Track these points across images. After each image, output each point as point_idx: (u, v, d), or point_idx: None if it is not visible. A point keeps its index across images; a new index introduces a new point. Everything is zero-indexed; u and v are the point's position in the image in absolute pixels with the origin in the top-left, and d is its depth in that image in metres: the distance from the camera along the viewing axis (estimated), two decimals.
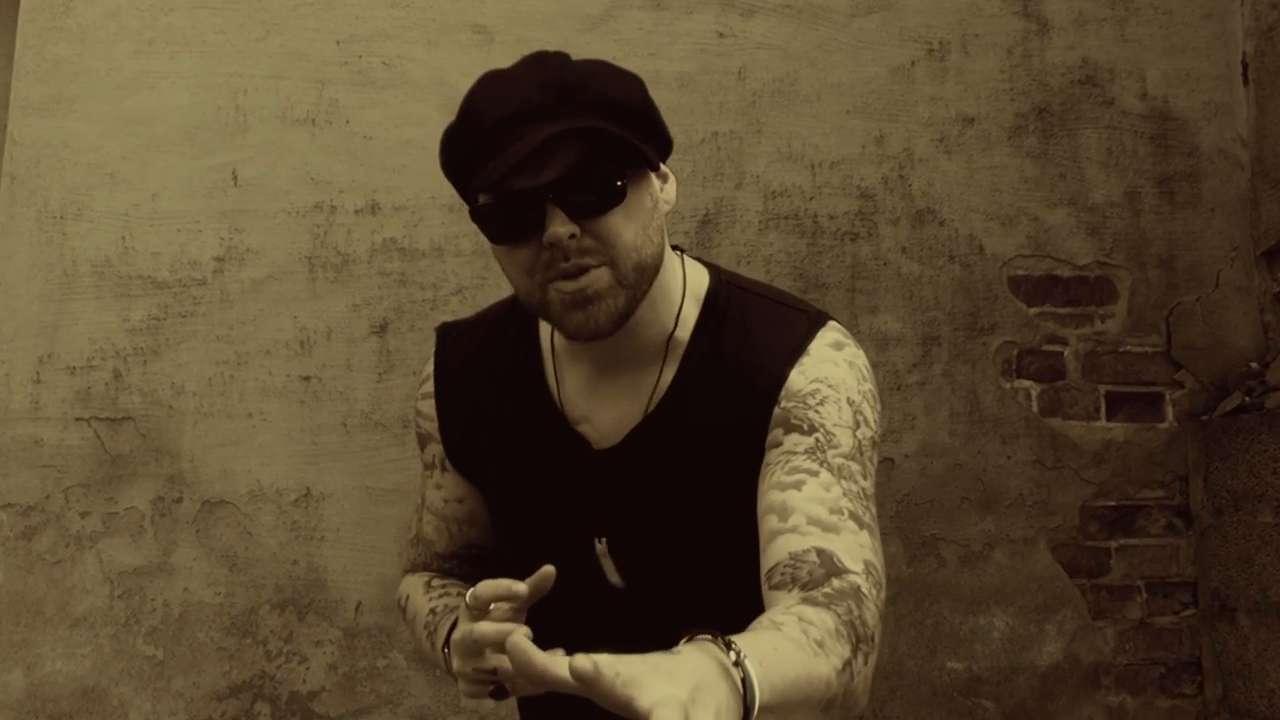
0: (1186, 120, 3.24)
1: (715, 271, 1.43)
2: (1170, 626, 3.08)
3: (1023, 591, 3.03)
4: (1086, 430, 3.10)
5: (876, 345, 3.06)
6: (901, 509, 3.03)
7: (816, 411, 1.28)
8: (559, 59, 1.26)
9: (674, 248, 1.42)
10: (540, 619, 1.31)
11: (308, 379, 2.91)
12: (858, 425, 1.28)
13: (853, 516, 1.20)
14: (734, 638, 0.97)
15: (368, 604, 2.87)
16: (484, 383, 1.44)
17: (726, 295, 1.39)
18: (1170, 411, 3.14)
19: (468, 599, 1.23)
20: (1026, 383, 3.09)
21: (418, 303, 2.97)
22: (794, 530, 1.18)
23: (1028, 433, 3.07)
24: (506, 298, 1.48)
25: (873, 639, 1.12)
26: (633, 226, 1.26)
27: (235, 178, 2.96)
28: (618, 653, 0.85)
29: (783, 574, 1.16)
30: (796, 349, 1.33)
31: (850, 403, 1.29)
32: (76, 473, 2.85)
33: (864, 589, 1.14)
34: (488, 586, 1.20)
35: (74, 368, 2.88)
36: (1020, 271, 3.13)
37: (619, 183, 1.24)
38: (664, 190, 1.34)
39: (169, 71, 3.00)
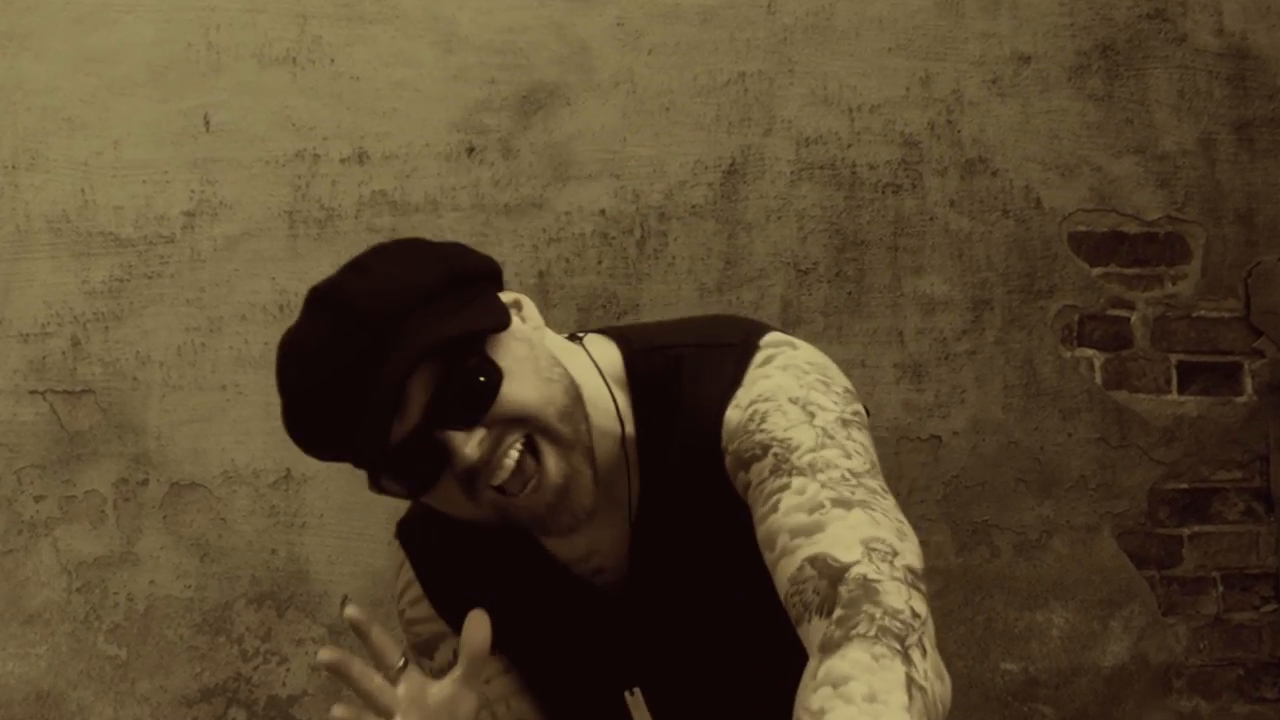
0: (1267, 59, 3.14)
1: (622, 341, 1.33)
2: (1249, 623, 3.02)
3: (1084, 584, 2.96)
4: (1156, 404, 3.02)
5: (922, 309, 2.96)
6: (950, 492, 2.93)
7: (762, 431, 1.19)
8: (341, 293, 1.17)
9: (571, 337, 1.33)
10: None
11: None
12: (812, 416, 1.18)
13: (836, 503, 1.10)
14: None
15: (355, 598, 2.77)
16: (470, 559, 1.36)
17: (646, 364, 1.30)
18: (1249, 383, 3.08)
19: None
20: (1089, 351, 3.02)
21: None
22: (783, 553, 1.10)
23: (1090, 407, 3.00)
24: None
25: (914, 618, 1.02)
26: (529, 386, 1.18)
27: (207, 123, 2.83)
28: None
29: (795, 607, 1.08)
30: (727, 391, 1.25)
31: (794, 400, 1.20)
32: (30, 452, 2.73)
33: (870, 575, 1.04)
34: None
35: (27, 335, 2.76)
36: (1082, 227, 3.04)
37: (486, 364, 1.17)
38: (525, 320, 1.25)
39: (134, 4, 2.85)
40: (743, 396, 1.23)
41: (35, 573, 2.70)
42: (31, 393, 2.74)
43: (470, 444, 1.15)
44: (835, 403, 1.21)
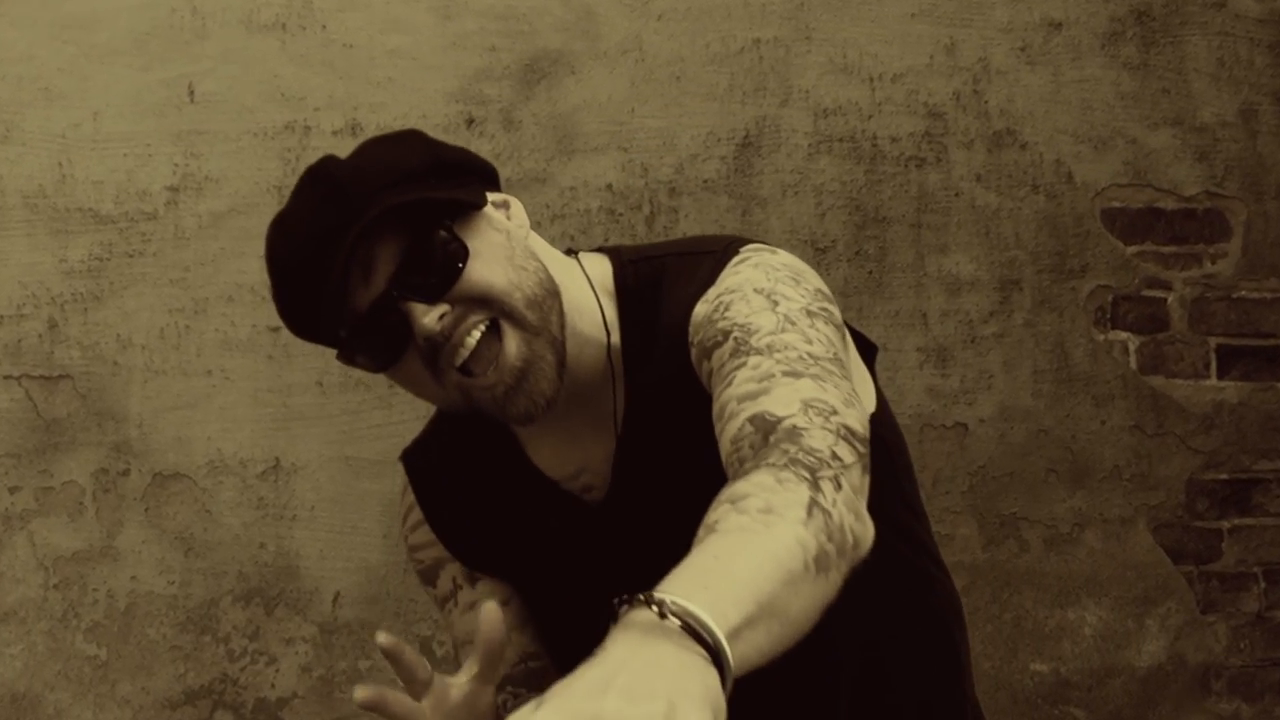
0: None
1: (614, 255, 1.41)
2: None
3: (1119, 580, 2.94)
4: (1194, 390, 3.00)
5: (947, 290, 2.91)
6: (976, 483, 2.89)
7: (724, 319, 1.23)
8: (327, 167, 1.29)
9: (568, 252, 1.41)
10: None
11: (277, 330, 2.73)
12: (775, 304, 1.22)
13: (787, 374, 1.14)
14: (665, 583, 0.88)
15: (347, 595, 2.75)
16: (467, 484, 1.46)
17: (634, 274, 1.37)
18: None
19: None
20: (1123, 334, 2.99)
21: None
22: (729, 417, 1.14)
23: (1125, 393, 2.97)
24: None
25: (833, 459, 1.04)
26: (497, 269, 1.26)
27: (192, 93, 2.79)
28: None
29: (731, 465, 1.11)
30: (699, 291, 1.30)
31: (759, 290, 1.24)
32: (4, 441, 2.69)
33: (800, 424, 1.08)
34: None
35: (1, 317, 2.72)
36: (1116, 203, 3.00)
37: (453, 240, 1.25)
38: (510, 217, 1.33)
39: None
40: (711, 292, 1.27)
41: (10, 568, 2.67)
42: (6, 378, 2.70)
43: (431, 316, 1.21)
44: (802, 295, 1.24)
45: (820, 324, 1.22)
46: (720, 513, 0.97)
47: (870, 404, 1.33)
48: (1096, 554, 2.93)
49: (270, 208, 2.65)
